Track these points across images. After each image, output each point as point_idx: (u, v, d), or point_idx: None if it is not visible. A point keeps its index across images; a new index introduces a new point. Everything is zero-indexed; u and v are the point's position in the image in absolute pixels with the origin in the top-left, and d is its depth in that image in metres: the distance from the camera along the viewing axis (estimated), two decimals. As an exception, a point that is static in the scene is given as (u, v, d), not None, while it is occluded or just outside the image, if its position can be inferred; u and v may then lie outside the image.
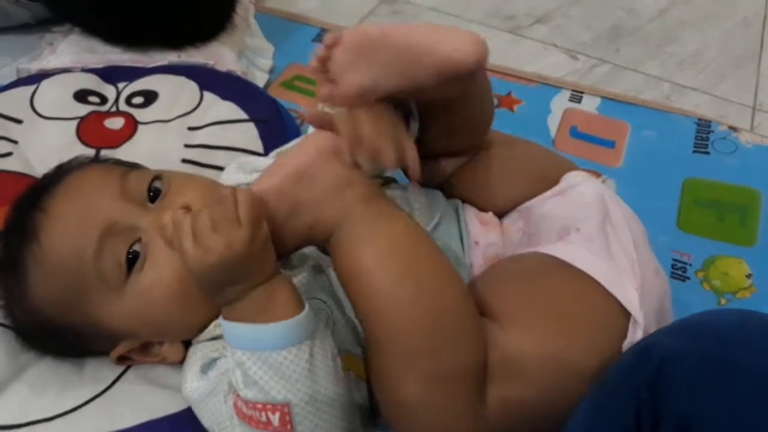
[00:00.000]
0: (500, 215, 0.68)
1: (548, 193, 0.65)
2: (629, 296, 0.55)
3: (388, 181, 0.70)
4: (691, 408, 0.40)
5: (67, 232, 0.57)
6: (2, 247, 0.61)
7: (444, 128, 0.63)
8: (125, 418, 0.59)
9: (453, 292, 0.53)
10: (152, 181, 0.60)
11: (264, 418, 0.49)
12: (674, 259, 0.81)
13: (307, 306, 0.51)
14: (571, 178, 0.66)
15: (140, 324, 0.58)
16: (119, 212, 0.57)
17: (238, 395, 0.50)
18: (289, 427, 0.49)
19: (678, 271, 0.80)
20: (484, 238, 0.64)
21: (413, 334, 0.50)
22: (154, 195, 0.60)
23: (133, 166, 0.66)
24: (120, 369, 0.62)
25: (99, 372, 0.62)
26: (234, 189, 0.50)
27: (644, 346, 0.46)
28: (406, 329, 0.50)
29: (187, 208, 0.57)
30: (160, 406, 0.59)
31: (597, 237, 0.59)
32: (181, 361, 0.60)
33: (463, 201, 0.68)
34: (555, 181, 0.66)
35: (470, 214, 0.66)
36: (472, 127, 0.66)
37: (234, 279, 0.50)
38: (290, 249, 0.55)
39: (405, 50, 0.52)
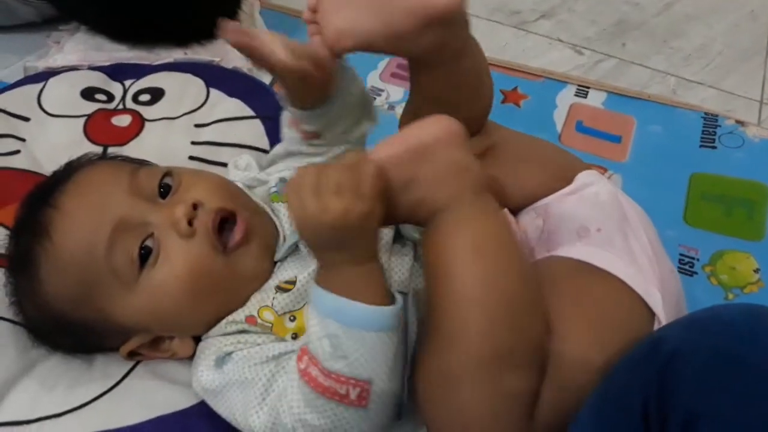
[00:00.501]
0: (513, 212, 0.67)
1: (563, 191, 0.65)
2: (654, 297, 0.55)
3: None
4: (699, 403, 0.40)
5: (79, 228, 0.57)
6: (13, 244, 0.61)
7: (437, 98, 0.63)
8: (135, 414, 0.59)
9: (531, 296, 0.52)
10: (163, 177, 0.61)
11: (343, 391, 0.49)
12: (681, 254, 0.81)
13: (400, 295, 0.51)
14: (585, 177, 0.66)
15: (152, 319, 0.58)
16: (130, 208, 0.58)
17: (316, 364, 0.50)
18: (364, 402, 0.49)
19: (685, 266, 0.80)
20: None
21: (485, 333, 0.49)
22: (164, 191, 0.60)
23: (142, 163, 0.66)
24: (129, 365, 0.62)
25: (108, 368, 0.62)
26: (363, 158, 0.50)
27: (654, 340, 0.46)
28: (480, 327, 0.49)
29: (198, 204, 0.57)
30: (170, 401, 0.60)
31: (617, 238, 0.59)
32: (191, 357, 0.60)
33: None
34: (569, 180, 0.66)
35: None
36: (468, 101, 0.65)
37: (339, 245, 0.49)
38: (394, 222, 0.55)
39: None
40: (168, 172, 0.61)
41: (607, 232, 0.60)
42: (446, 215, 0.51)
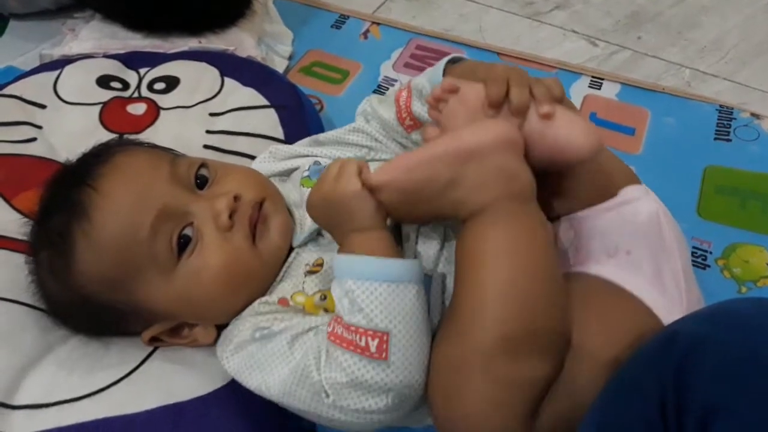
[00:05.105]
0: (549, 219, 0.64)
1: (603, 206, 0.63)
2: None
3: None
4: (715, 398, 0.40)
5: (121, 211, 0.58)
6: (43, 222, 0.61)
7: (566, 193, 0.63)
8: (153, 399, 0.60)
9: (555, 310, 0.52)
10: (199, 168, 0.63)
11: (363, 343, 0.51)
12: (694, 247, 0.80)
13: (413, 259, 0.56)
14: (628, 193, 0.63)
15: (183, 306, 0.59)
16: (171, 196, 0.59)
17: (340, 322, 0.52)
18: (384, 355, 0.51)
19: (698, 259, 0.79)
20: None
21: (504, 335, 0.50)
22: (200, 182, 0.62)
23: (168, 151, 0.68)
24: (147, 350, 0.63)
25: (126, 353, 0.63)
26: (351, 160, 0.56)
27: (669, 334, 0.45)
28: (499, 328, 0.50)
29: (238, 197, 0.60)
30: (188, 387, 0.60)
31: (646, 262, 0.58)
32: (212, 344, 0.61)
33: None
34: (612, 194, 0.63)
35: None
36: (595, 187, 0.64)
37: (339, 217, 0.55)
38: (436, 217, 0.57)
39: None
40: (203, 164, 0.63)
41: (636, 255, 0.58)
42: (483, 218, 0.52)
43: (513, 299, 0.50)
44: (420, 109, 0.65)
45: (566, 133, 0.54)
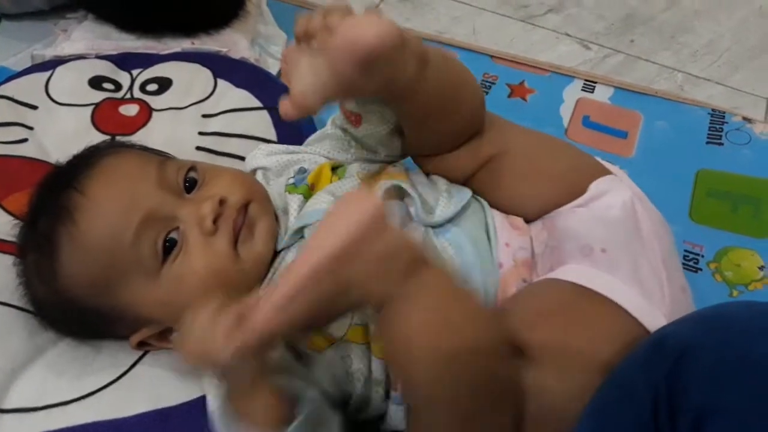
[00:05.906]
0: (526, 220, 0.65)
1: (574, 203, 0.62)
2: (660, 324, 0.53)
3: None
4: (708, 400, 0.40)
5: (107, 215, 0.57)
6: (30, 225, 0.61)
7: (417, 122, 0.61)
8: (141, 403, 0.59)
9: (490, 361, 0.49)
10: (188, 171, 0.62)
11: None
12: (686, 250, 0.81)
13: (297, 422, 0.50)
14: (599, 186, 0.63)
15: (168, 311, 0.59)
16: (158, 200, 0.59)
17: None
18: None
19: (690, 263, 0.80)
20: (515, 242, 0.62)
21: (449, 406, 0.48)
22: (189, 185, 0.61)
23: (158, 153, 0.67)
24: (137, 354, 0.63)
25: (116, 357, 0.63)
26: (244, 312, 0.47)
27: (660, 338, 0.45)
28: (443, 400, 0.48)
29: (224, 200, 0.59)
30: (177, 393, 0.60)
31: (623, 259, 0.57)
32: None
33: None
34: (583, 190, 0.63)
35: (499, 215, 0.64)
36: (449, 114, 0.61)
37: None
38: (338, 317, 0.53)
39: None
40: (192, 167, 0.63)
41: (612, 253, 0.58)
42: (389, 308, 0.47)
43: (446, 375, 0.47)
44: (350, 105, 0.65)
45: (352, 24, 0.50)
